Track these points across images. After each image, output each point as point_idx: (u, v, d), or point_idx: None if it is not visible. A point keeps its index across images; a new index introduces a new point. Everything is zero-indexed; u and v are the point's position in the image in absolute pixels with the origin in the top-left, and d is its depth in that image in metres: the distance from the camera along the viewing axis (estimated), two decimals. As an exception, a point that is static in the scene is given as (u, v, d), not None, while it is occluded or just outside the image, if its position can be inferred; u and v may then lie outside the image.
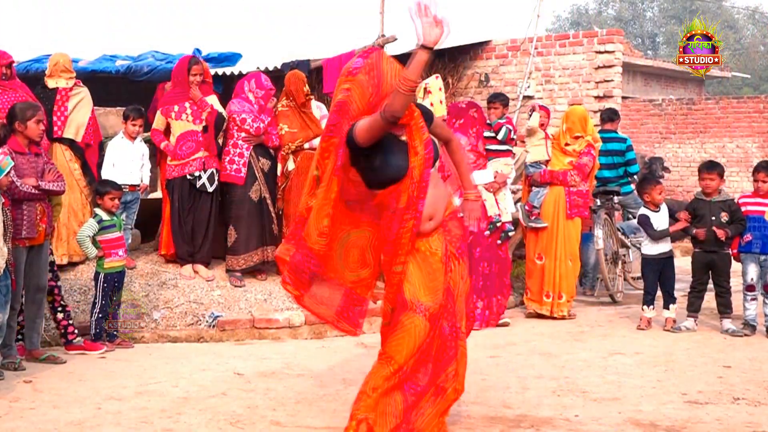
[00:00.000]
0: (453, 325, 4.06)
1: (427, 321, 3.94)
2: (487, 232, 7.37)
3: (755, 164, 7.51)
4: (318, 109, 8.09)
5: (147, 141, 8.15)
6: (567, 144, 7.92)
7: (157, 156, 8.06)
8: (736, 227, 7.14)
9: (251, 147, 7.64)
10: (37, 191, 5.58)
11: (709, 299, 7.39)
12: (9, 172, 5.30)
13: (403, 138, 3.98)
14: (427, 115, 4.13)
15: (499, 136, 7.75)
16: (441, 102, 7.98)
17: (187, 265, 7.56)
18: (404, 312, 3.95)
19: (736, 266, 7.32)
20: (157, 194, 8.63)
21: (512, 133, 7.91)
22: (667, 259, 7.49)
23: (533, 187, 8.08)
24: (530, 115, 9.11)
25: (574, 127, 7.93)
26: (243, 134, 7.60)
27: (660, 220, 7.44)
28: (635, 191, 9.53)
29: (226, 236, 7.70)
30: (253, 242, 7.66)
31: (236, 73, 10.85)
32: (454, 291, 4.06)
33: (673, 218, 7.46)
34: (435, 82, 8.04)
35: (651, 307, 7.45)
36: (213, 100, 7.60)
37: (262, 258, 7.71)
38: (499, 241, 7.50)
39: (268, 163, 7.75)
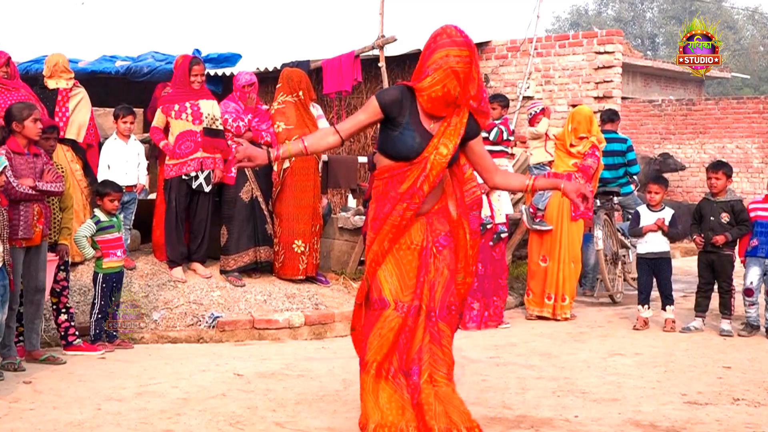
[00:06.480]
0: (428, 313, 3.98)
1: (404, 317, 3.92)
2: None
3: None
4: (314, 108, 8.08)
5: (147, 141, 8.15)
6: (572, 145, 7.90)
7: (159, 156, 8.03)
8: (738, 230, 7.11)
9: (240, 146, 7.65)
10: (33, 192, 5.56)
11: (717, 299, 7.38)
12: (3, 172, 5.29)
13: (431, 128, 3.92)
14: (475, 129, 4.00)
15: (490, 137, 7.73)
16: None
17: (177, 268, 7.54)
18: (383, 309, 3.93)
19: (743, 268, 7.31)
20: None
21: (506, 134, 7.89)
22: (662, 259, 7.46)
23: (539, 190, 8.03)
24: (533, 115, 9.13)
25: (579, 128, 7.89)
26: (229, 134, 7.63)
27: (651, 220, 7.42)
28: (635, 192, 9.54)
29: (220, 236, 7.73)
30: (244, 242, 7.67)
31: (236, 73, 10.85)
32: (434, 281, 3.99)
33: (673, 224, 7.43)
34: None
35: (646, 306, 7.45)
36: (213, 104, 7.60)
37: (254, 258, 7.73)
38: (491, 243, 7.48)
39: None
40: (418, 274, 3.97)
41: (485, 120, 4.10)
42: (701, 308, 7.32)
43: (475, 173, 4.32)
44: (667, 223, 7.37)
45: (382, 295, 3.95)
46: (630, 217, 9.33)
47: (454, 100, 3.87)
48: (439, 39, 3.85)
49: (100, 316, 6.37)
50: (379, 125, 4.03)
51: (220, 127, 7.58)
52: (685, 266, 10.94)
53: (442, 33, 3.86)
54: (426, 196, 3.93)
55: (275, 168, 7.75)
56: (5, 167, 5.33)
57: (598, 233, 8.48)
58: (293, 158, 7.66)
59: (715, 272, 7.26)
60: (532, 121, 9.28)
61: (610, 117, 9.33)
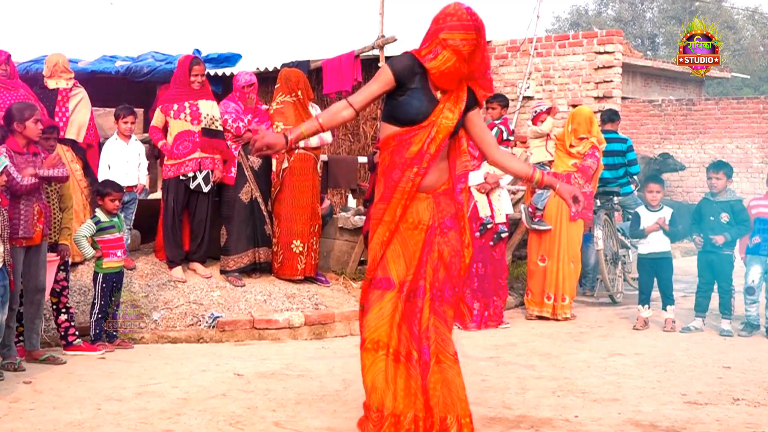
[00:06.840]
0: (433, 293, 3.99)
1: (408, 297, 3.93)
2: (478, 233, 7.35)
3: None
4: (313, 108, 8.07)
5: (147, 142, 8.15)
6: (572, 146, 7.90)
7: (160, 156, 8.04)
8: (738, 230, 7.11)
9: (240, 146, 7.66)
10: (37, 180, 5.55)
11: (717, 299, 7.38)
12: (5, 171, 5.28)
13: (438, 95, 3.97)
14: (472, 101, 4.04)
15: None
16: None
17: (177, 267, 7.54)
18: (387, 290, 3.93)
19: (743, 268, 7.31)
20: (158, 195, 8.63)
21: (506, 134, 7.88)
22: (663, 259, 7.46)
23: (536, 189, 8.04)
24: (537, 114, 9.11)
25: (579, 128, 7.89)
26: (229, 135, 7.62)
27: (651, 220, 7.43)
28: (635, 192, 9.55)
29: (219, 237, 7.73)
30: (244, 243, 7.67)
31: (236, 73, 10.87)
32: (437, 263, 4.00)
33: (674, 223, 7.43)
34: None
35: (646, 306, 7.45)
36: (212, 105, 7.60)
37: (253, 259, 7.73)
38: (491, 243, 7.48)
39: (258, 161, 7.72)
40: (422, 252, 3.98)
41: (486, 93, 4.12)
42: (701, 308, 7.32)
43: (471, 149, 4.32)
44: (667, 222, 7.37)
45: (388, 275, 3.94)
46: (630, 217, 9.35)
47: (463, 76, 3.93)
48: (449, 19, 3.86)
49: (100, 316, 6.37)
50: (384, 99, 4.04)
51: (219, 128, 7.58)
52: (685, 266, 10.93)
53: (453, 14, 3.86)
54: (434, 159, 3.93)
55: (275, 168, 7.75)
56: (6, 166, 5.33)
57: (598, 233, 8.48)
58: (292, 157, 7.69)
59: (714, 272, 7.26)
60: (536, 119, 9.27)
61: (610, 117, 9.34)
